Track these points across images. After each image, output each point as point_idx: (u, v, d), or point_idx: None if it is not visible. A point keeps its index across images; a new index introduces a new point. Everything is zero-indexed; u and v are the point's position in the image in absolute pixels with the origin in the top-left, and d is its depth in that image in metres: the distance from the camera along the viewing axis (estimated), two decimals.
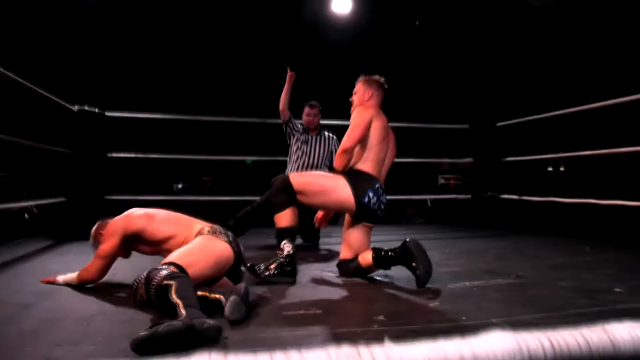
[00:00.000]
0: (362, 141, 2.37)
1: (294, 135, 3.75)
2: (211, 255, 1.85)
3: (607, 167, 7.03)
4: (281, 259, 2.26)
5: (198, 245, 1.87)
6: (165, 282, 1.57)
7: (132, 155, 4.34)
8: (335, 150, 3.60)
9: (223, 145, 9.07)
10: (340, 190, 2.30)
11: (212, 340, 1.35)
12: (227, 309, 1.57)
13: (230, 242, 1.94)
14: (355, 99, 2.55)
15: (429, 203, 6.19)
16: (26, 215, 4.04)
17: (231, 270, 1.96)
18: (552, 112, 4.37)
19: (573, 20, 6.19)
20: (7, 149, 4.01)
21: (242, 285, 1.70)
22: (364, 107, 2.44)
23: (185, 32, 7.55)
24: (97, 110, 4.09)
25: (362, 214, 2.35)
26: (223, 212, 6.98)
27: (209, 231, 1.95)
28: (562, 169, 10.83)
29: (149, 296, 1.63)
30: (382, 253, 2.25)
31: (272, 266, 2.25)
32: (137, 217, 2.02)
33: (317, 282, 2.28)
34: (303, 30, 6.82)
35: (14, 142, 3.18)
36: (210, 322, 1.38)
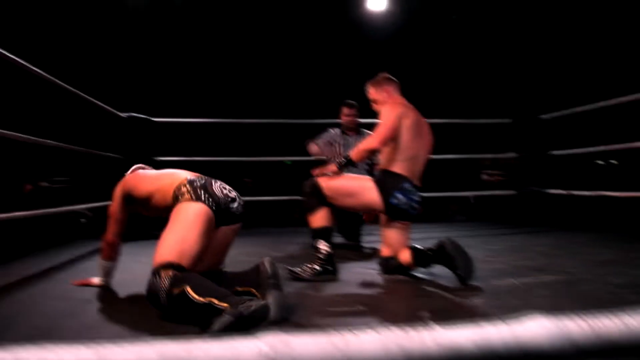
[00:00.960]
0: (394, 140, 2.35)
1: (333, 145, 3.74)
2: (194, 228, 1.70)
3: None
4: (320, 259, 2.31)
5: (178, 225, 1.72)
6: (176, 290, 1.51)
7: (177, 158, 4.52)
8: None
9: (263, 147, 9.23)
10: (367, 192, 2.34)
11: (263, 319, 1.38)
12: (272, 306, 1.52)
13: (204, 200, 1.75)
14: (377, 106, 2.55)
15: (471, 200, 6.08)
16: (82, 220, 4.28)
17: (217, 225, 1.82)
18: (598, 102, 4.20)
19: (618, 5, 5.92)
20: (66, 156, 4.25)
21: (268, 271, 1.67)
22: (390, 105, 2.42)
23: (224, 37, 7.73)
24: (144, 117, 4.28)
25: (394, 214, 2.37)
26: (266, 210, 7.12)
27: (183, 193, 1.77)
28: (614, 162, 10.35)
29: (168, 308, 1.55)
30: (420, 252, 2.26)
31: (312, 266, 2.31)
32: (128, 177, 2.08)
33: (358, 279, 2.31)
34: (341, 29, 6.85)
35: (73, 150, 3.39)
36: (253, 303, 1.39)
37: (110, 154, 4.01)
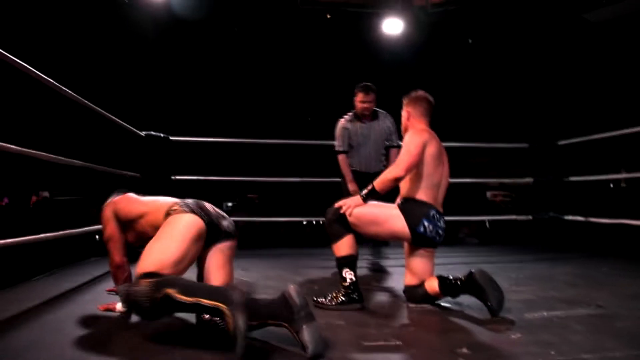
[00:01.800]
0: (417, 167, 2.34)
1: (351, 138, 3.53)
2: (179, 235, 1.76)
3: None
4: (346, 288, 2.27)
5: (164, 233, 1.79)
6: (159, 295, 1.55)
7: (194, 177, 4.51)
8: (390, 129, 3.52)
9: (268, 166, 9.26)
10: (393, 220, 2.31)
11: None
12: (309, 343, 1.51)
13: (197, 213, 1.85)
14: (404, 122, 2.56)
15: (487, 224, 6.04)
16: (97, 236, 4.26)
17: (209, 240, 1.89)
18: (617, 130, 4.20)
19: (633, 35, 5.96)
20: (81, 173, 4.26)
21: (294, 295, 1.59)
22: (416, 131, 2.40)
23: (242, 58, 7.82)
24: (162, 135, 4.29)
25: (420, 242, 2.34)
26: (282, 231, 7.06)
27: (175, 209, 1.86)
28: (623, 185, 10.33)
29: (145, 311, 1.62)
30: (448, 281, 2.22)
31: (338, 295, 2.27)
32: (118, 199, 2.13)
33: (386, 309, 2.27)
34: (356, 52, 6.92)
35: (89, 168, 3.38)
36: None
37: (128, 172, 4.00)
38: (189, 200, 1.95)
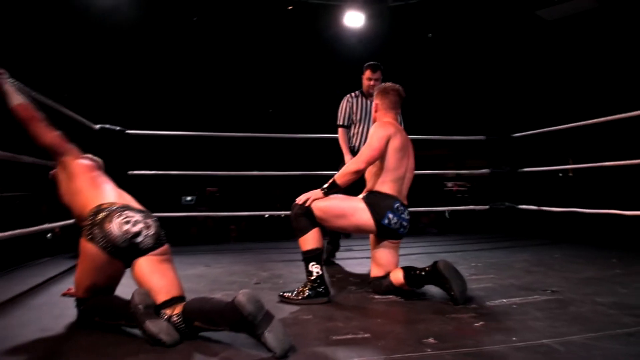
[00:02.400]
0: (381, 161, 2.37)
1: (354, 115, 3.49)
2: (86, 267, 1.83)
3: (614, 175, 7.03)
4: (312, 282, 2.27)
5: (79, 264, 1.85)
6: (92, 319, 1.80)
7: (151, 172, 4.37)
8: None
9: (229, 159, 9.13)
10: (359, 214, 2.33)
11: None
12: (274, 348, 1.50)
13: (98, 242, 1.77)
14: (374, 113, 2.59)
15: (447, 215, 6.19)
16: (48, 235, 4.06)
17: (127, 258, 1.84)
18: (566, 124, 4.40)
19: (585, 33, 6.24)
20: (28, 169, 4.03)
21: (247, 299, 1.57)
22: (381, 124, 2.43)
23: (196, 49, 7.61)
24: (117, 129, 4.12)
25: (385, 234, 2.38)
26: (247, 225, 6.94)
27: (85, 228, 1.80)
28: (570, 174, 10.88)
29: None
30: (413, 273, 2.26)
31: (304, 289, 2.26)
32: (79, 160, 2.07)
33: (353, 302, 2.28)
34: (316, 44, 6.89)
35: (35, 164, 3.20)
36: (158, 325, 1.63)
37: None
38: (102, 212, 1.81)
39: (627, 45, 6.18)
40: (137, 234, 1.81)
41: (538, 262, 3.28)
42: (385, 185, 2.38)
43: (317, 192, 2.34)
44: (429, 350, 1.54)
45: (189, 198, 12.14)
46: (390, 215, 2.32)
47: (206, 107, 9.21)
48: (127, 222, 1.80)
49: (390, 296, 2.33)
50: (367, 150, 2.34)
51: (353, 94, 3.53)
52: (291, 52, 7.55)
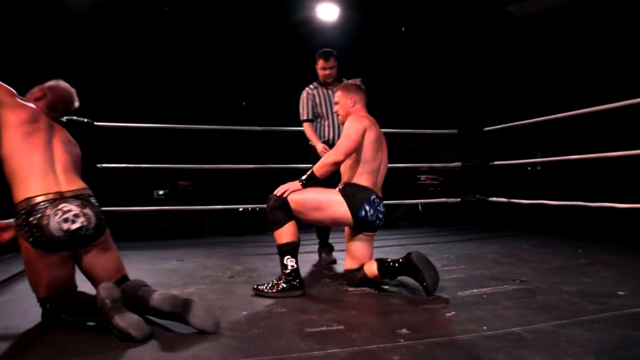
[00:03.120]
0: (357, 153, 2.38)
1: (318, 107, 3.33)
2: (35, 266, 1.78)
3: (580, 168, 7.26)
4: (287, 275, 2.26)
5: (26, 261, 1.80)
6: (59, 317, 1.75)
7: (121, 165, 4.26)
8: None
9: (201, 152, 9.01)
10: (336, 206, 2.33)
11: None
12: (197, 320, 1.66)
13: (39, 243, 1.74)
14: (339, 109, 2.57)
15: (420, 208, 6.28)
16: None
17: (74, 247, 1.83)
18: (534, 118, 4.51)
19: (555, 29, 6.39)
20: None
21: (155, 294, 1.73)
22: (357, 117, 2.44)
23: (167, 40, 7.45)
24: (85, 121, 4.00)
25: (361, 226, 2.39)
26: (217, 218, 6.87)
27: (21, 227, 1.74)
28: (538, 168, 11.19)
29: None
30: (386, 264, 2.29)
31: (279, 282, 2.25)
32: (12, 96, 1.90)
33: (327, 294, 2.29)
34: (289, 36, 6.84)
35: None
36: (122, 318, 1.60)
37: None
38: (39, 209, 1.74)
39: (596, 41, 6.36)
40: (79, 229, 1.78)
41: (508, 253, 3.36)
42: (362, 178, 2.39)
43: (295, 184, 2.33)
44: (402, 340, 1.56)
45: (161, 192, 11.96)
46: (367, 207, 2.33)
47: (179, 99, 9.04)
48: (66, 220, 1.76)
49: (364, 288, 2.35)
50: (345, 142, 2.34)
51: (312, 86, 3.37)
52: (264, 44, 7.48)
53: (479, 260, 3.10)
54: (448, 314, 1.87)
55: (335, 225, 2.52)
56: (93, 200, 1.91)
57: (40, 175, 1.80)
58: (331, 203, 2.34)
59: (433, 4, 6.24)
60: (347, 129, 2.39)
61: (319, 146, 3.21)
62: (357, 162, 2.40)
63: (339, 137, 3.21)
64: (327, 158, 2.34)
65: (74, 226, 1.77)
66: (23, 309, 2.02)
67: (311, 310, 1.98)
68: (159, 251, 3.78)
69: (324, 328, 1.72)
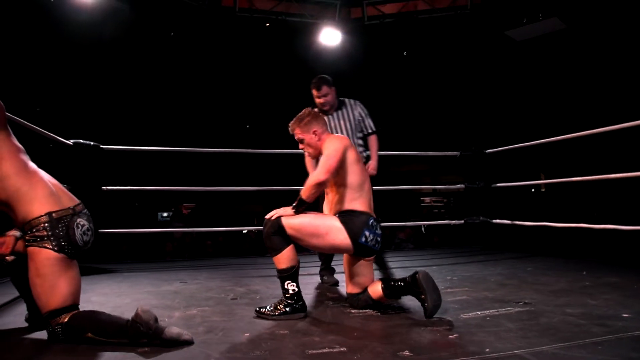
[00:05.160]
0: (345, 179, 2.34)
1: None
2: (53, 277, 1.81)
3: (584, 190, 7.26)
4: (288, 299, 2.25)
5: (39, 275, 1.80)
6: (83, 335, 1.76)
7: (126, 188, 4.30)
8: (361, 115, 3.30)
9: (206, 175, 9.06)
10: (334, 233, 2.28)
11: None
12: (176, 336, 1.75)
13: (68, 253, 1.84)
14: (306, 148, 2.49)
15: (423, 230, 6.26)
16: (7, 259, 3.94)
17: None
18: (537, 140, 4.54)
19: (554, 53, 6.49)
20: None
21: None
22: (333, 137, 2.42)
23: (174, 65, 7.60)
24: (92, 144, 4.06)
25: (361, 252, 2.35)
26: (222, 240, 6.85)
27: (43, 239, 1.80)
28: (543, 190, 11.18)
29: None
30: (392, 283, 2.28)
31: (280, 305, 2.25)
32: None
33: (329, 317, 2.28)
34: (293, 61, 6.97)
35: None
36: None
37: None
38: (61, 221, 1.84)
39: (593, 64, 6.44)
40: (90, 242, 1.97)
41: (511, 275, 3.34)
42: (356, 203, 2.36)
43: (287, 210, 2.30)
44: None
45: (165, 214, 11.98)
46: (367, 233, 2.30)
47: (183, 122, 9.16)
48: (85, 234, 1.93)
49: (367, 310, 2.34)
50: (326, 160, 2.30)
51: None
52: (268, 68, 7.61)
53: (483, 282, 3.08)
54: (451, 336, 1.86)
55: (334, 252, 2.48)
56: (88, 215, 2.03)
57: (49, 194, 1.89)
58: (330, 229, 2.29)
59: (434, 28, 6.37)
60: (326, 149, 2.36)
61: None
62: (346, 187, 2.36)
63: None
64: (311, 180, 2.29)
65: (89, 239, 1.95)
66: (25, 330, 2.03)
67: (313, 332, 1.97)
68: (162, 273, 3.78)
69: (326, 350, 1.71)
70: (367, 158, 3.36)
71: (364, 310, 2.35)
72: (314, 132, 2.44)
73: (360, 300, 2.39)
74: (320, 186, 2.30)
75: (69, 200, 1.96)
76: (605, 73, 6.33)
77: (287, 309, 2.23)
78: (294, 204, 2.32)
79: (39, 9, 6.02)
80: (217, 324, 2.08)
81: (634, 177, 3.49)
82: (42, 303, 1.81)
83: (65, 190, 2.01)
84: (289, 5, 6.50)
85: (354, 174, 2.36)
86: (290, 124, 2.51)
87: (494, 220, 4.94)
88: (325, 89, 3.22)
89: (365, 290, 2.38)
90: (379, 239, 2.38)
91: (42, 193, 1.86)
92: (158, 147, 4.69)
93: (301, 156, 3.85)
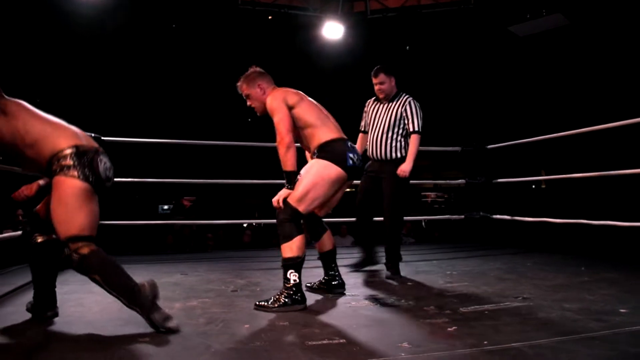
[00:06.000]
0: (304, 121, 2.42)
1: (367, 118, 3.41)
2: (75, 207, 1.88)
3: (584, 186, 7.26)
4: (288, 290, 2.27)
5: (62, 201, 1.87)
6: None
7: (127, 180, 4.31)
8: (403, 114, 3.24)
9: (207, 168, 9.07)
10: (326, 172, 2.35)
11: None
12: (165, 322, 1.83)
13: (91, 183, 1.90)
14: (252, 103, 2.55)
15: (423, 224, 6.28)
16: None
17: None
18: (538, 136, 4.54)
19: (557, 49, 6.48)
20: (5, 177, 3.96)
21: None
22: (271, 95, 2.46)
23: (176, 57, 7.59)
24: (93, 135, 4.06)
25: (354, 174, 2.45)
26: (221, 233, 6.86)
27: (69, 167, 1.88)
28: (543, 186, 11.19)
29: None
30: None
31: (280, 297, 2.27)
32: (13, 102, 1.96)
33: (329, 308, 2.30)
34: (295, 54, 6.95)
35: (13, 171, 3.16)
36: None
37: None
38: (86, 153, 1.91)
39: (596, 60, 6.43)
40: (111, 179, 2.04)
41: (511, 270, 3.36)
42: (324, 133, 2.42)
43: (286, 191, 2.36)
44: (402, 354, 1.57)
45: (165, 207, 12.00)
46: (351, 155, 2.39)
47: (185, 115, 9.16)
48: (108, 169, 2.00)
49: (367, 302, 2.37)
50: (278, 122, 2.36)
51: (372, 99, 3.44)
52: (271, 61, 7.60)
53: (482, 277, 3.10)
54: (449, 329, 1.88)
55: (337, 187, 2.44)
56: None
57: (74, 133, 1.97)
58: (321, 173, 2.35)
59: (437, 23, 6.35)
60: (270, 110, 2.42)
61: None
62: (308, 127, 2.43)
63: (378, 152, 3.27)
64: (280, 149, 2.35)
65: (111, 176, 2.02)
66: (27, 320, 2.05)
67: (313, 323, 1.99)
68: (162, 265, 3.80)
69: (325, 341, 1.73)
70: (403, 157, 3.23)
71: (364, 302, 2.37)
72: (259, 86, 2.52)
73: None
74: (290, 148, 2.35)
75: (92, 143, 2.03)
76: (608, 70, 6.32)
77: (287, 300, 2.25)
78: (286, 184, 2.37)
79: (42, 1, 6.02)
80: (217, 315, 2.10)
81: (634, 174, 3.49)
82: (62, 228, 1.87)
83: (88, 136, 2.10)
84: None
85: (308, 112, 2.43)
86: (237, 83, 2.58)
87: (494, 216, 4.95)
88: (382, 76, 3.27)
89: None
90: (360, 156, 2.48)
91: (67, 132, 1.95)
92: (159, 139, 4.71)
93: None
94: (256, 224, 8.34)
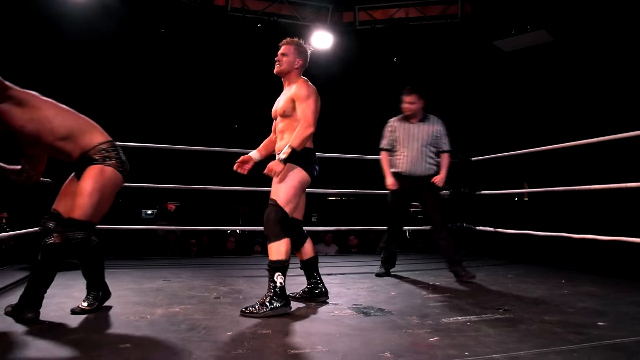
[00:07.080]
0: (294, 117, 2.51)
1: (396, 139, 3.57)
2: (108, 194, 2.12)
3: (567, 199, 7.37)
4: (273, 294, 2.28)
5: (96, 187, 2.05)
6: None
7: (129, 184, 4.25)
8: (440, 132, 3.56)
9: (192, 173, 9.01)
10: (303, 179, 2.47)
11: None
12: None
13: (118, 167, 2.17)
14: (284, 62, 2.57)
15: (407, 235, 6.31)
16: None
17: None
18: (521, 149, 4.61)
19: (541, 64, 6.61)
20: None
21: None
22: (306, 82, 2.53)
23: (163, 63, 7.55)
24: None
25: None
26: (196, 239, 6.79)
27: (110, 158, 2.14)
28: (526, 199, 11.34)
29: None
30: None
31: (265, 302, 2.27)
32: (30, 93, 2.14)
33: (312, 317, 2.30)
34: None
35: None
36: None
37: (43, 179, 3.68)
38: (118, 147, 2.22)
39: (579, 77, 6.57)
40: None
41: (493, 281, 3.39)
42: (309, 141, 2.51)
43: (278, 165, 2.39)
44: None
45: (149, 211, 11.88)
46: (317, 167, 2.56)
47: (171, 120, 9.11)
48: (126, 162, 2.24)
49: (350, 311, 2.37)
50: (311, 113, 2.44)
51: (396, 118, 3.62)
52: (258, 69, 7.61)
53: (465, 287, 3.12)
54: (431, 339, 1.89)
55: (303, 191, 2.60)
56: None
57: (100, 129, 2.22)
58: (294, 178, 2.45)
59: (424, 35, 6.44)
60: (305, 93, 2.46)
61: (389, 180, 3.50)
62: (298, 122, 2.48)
63: (416, 168, 3.49)
64: (305, 132, 2.41)
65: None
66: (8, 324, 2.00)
67: (296, 332, 1.98)
68: (145, 270, 3.76)
69: (307, 350, 1.72)
70: (436, 173, 3.56)
71: (346, 312, 2.37)
72: (298, 62, 2.57)
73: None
74: (310, 137, 2.48)
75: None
76: (590, 86, 6.47)
77: (275, 304, 2.26)
78: (283, 158, 2.39)
79: (31, 5, 5.94)
80: (199, 322, 2.08)
81: (615, 189, 3.57)
82: (76, 208, 2.02)
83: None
84: (281, 6, 6.53)
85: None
86: (290, 39, 2.63)
87: (478, 227, 5.00)
88: (414, 97, 3.50)
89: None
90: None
91: (98, 128, 2.21)
92: (144, 143, 4.66)
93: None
94: (240, 231, 8.29)
